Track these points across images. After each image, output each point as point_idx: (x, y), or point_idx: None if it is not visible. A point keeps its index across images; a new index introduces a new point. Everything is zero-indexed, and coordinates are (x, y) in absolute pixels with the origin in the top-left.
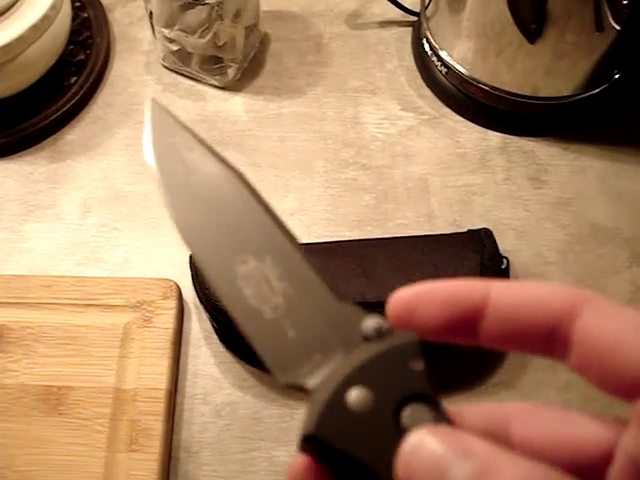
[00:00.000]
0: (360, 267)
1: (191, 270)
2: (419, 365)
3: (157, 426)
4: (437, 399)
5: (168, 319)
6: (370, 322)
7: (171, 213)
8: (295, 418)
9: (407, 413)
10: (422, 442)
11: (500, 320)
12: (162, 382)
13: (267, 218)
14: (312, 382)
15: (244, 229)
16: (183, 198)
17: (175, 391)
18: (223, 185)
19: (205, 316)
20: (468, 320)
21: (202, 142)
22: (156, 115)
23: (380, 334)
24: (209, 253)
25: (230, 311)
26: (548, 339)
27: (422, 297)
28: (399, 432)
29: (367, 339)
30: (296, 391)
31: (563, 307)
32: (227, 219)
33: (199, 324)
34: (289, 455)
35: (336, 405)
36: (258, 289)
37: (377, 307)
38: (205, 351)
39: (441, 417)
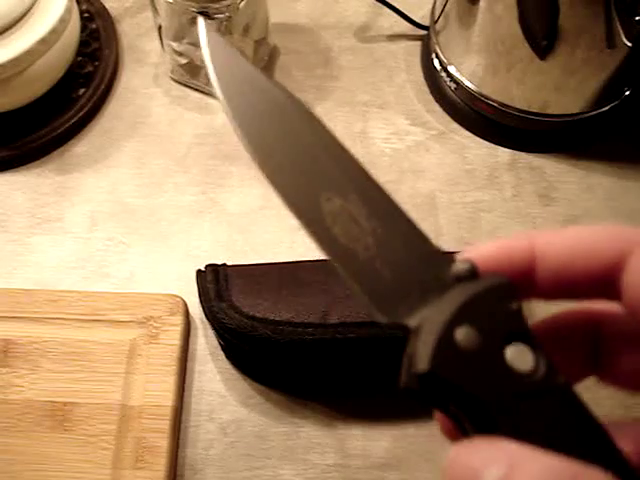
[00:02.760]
0: None
1: (197, 286)
2: (516, 305)
3: (162, 443)
4: (534, 338)
5: (174, 335)
6: (463, 264)
7: (249, 151)
8: (301, 436)
9: (511, 351)
10: (457, 455)
11: (551, 273)
12: (168, 399)
13: (345, 154)
14: (413, 322)
15: (323, 165)
16: (259, 133)
17: (181, 408)
18: (296, 118)
19: (211, 332)
20: (521, 277)
21: (261, 73)
22: (214, 46)
23: (472, 276)
24: (293, 191)
25: (321, 250)
26: (601, 287)
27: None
28: (506, 369)
29: (459, 280)
30: (397, 329)
31: (611, 254)
32: (305, 154)
33: (205, 340)
34: (295, 473)
35: (446, 343)
36: (347, 228)
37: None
38: (211, 368)
39: (541, 356)
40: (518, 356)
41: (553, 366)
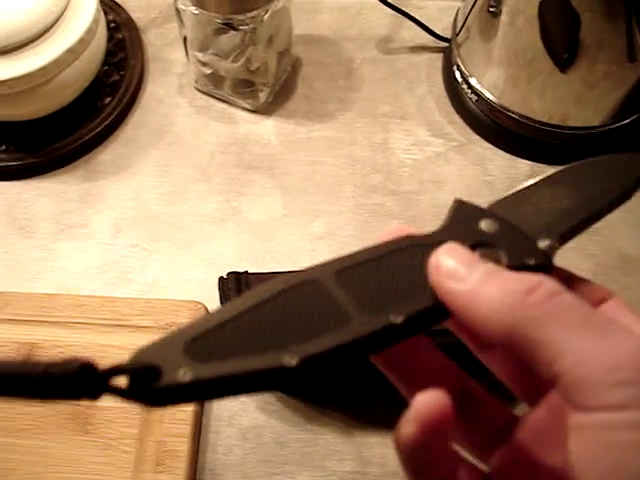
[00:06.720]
0: None
1: (219, 292)
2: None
3: (183, 447)
4: None
5: None
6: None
7: None
8: (319, 443)
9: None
10: (439, 258)
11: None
12: (189, 404)
13: None
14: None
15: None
16: None
17: (201, 413)
18: None
19: None
20: None
21: None
22: None
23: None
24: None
25: None
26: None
27: None
28: None
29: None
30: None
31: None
32: None
33: None
34: None
35: None
36: None
37: None
38: None
39: None
40: None
41: None
